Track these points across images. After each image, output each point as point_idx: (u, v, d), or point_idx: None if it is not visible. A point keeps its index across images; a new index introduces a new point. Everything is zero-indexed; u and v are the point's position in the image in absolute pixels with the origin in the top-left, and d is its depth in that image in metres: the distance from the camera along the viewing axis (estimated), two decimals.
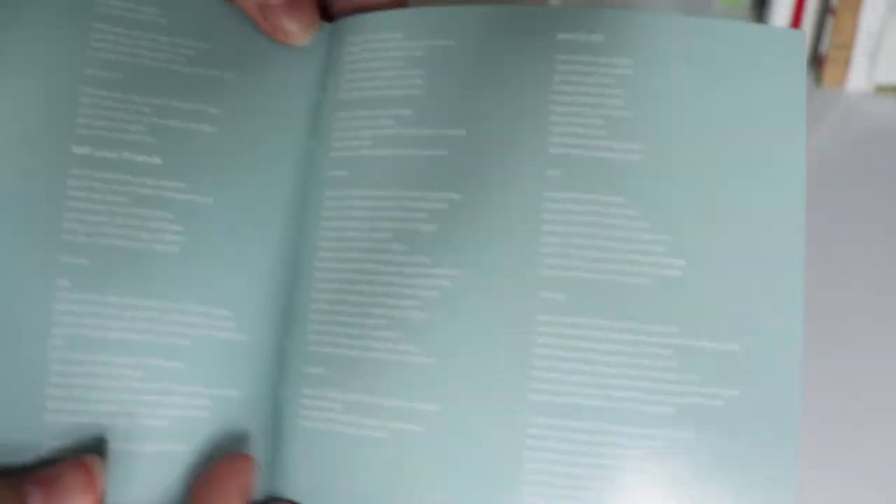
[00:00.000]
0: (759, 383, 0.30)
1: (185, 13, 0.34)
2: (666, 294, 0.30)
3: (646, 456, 0.30)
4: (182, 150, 0.33)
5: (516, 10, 0.33)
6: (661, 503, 0.29)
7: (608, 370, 0.30)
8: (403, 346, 0.31)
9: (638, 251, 0.31)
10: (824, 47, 0.54)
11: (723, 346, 0.30)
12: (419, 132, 0.32)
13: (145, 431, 0.31)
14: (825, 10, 0.54)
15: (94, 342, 0.32)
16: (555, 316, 0.31)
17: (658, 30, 0.32)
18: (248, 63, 0.35)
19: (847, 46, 0.53)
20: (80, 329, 0.32)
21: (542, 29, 0.32)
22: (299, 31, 0.34)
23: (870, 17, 0.52)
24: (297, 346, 0.33)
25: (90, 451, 0.31)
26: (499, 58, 0.33)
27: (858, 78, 0.54)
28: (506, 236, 0.31)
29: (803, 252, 0.31)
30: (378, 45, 0.34)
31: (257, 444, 0.32)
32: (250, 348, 0.33)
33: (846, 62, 0.54)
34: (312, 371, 0.32)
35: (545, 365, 0.30)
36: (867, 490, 0.48)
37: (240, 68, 0.34)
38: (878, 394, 0.50)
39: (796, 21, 0.55)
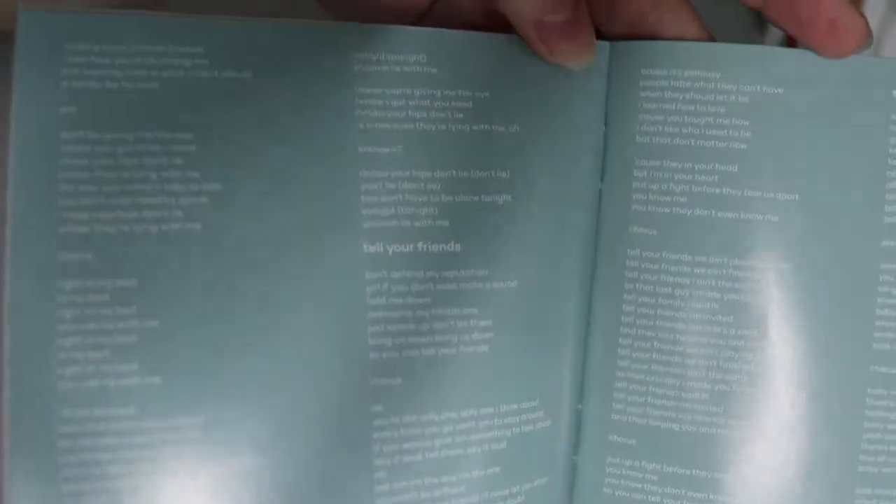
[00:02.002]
0: None
1: (454, 57, 0.29)
2: None
3: None
4: (480, 230, 0.29)
5: (857, 61, 0.30)
6: None
7: None
8: (732, 420, 0.30)
9: None
10: None
11: None
12: (746, 193, 0.30)
13: None
14: None
15: (416, 466, 0.28)
16: (887, 390, 0.30)
17: None
18: (531, 107, 0.30)
19: None
20: (402, 456, 0.28)
21: (877, 86, 0.30)
22: (578, 52, 0.30)
23: (870, 17, 0.52)
24: (599, 415, 0.31)
25: None
26: (831, 114, 0.30)
27: None
28: (839, 307, 0.30)
29: None
30: (686, 83, 0.30)
31: None
32: (555, 431, 0.30)
33: None
34: (619, 441, 0.31)
35: (875, 438, 0.30)
36: None
37: (523, 115, 0.30)
38: None
39: None
